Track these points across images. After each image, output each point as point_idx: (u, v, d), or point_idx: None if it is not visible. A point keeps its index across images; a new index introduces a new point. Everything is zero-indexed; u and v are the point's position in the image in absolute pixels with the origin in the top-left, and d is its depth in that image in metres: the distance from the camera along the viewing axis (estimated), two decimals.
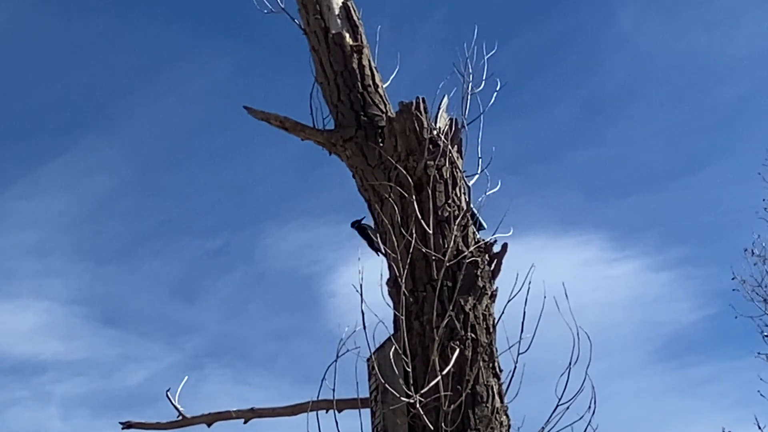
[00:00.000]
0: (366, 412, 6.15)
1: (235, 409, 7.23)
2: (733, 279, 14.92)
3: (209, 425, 7.17)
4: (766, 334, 14.57)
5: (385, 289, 6.16)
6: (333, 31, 7.27)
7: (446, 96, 6.88)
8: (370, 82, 7.08)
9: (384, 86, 7.20)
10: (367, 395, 6.25)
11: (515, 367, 5.90)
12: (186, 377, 7.24)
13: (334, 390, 5.63)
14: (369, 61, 7.21)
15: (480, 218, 6.57)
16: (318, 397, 5.87)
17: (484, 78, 6.78)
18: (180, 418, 7.14)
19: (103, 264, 16.56)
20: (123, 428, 7.31)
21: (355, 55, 7.16)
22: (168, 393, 7.33)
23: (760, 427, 14.05)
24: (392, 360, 5.86)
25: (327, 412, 6.24)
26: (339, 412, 6.02)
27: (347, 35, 7.26)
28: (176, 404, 7.31)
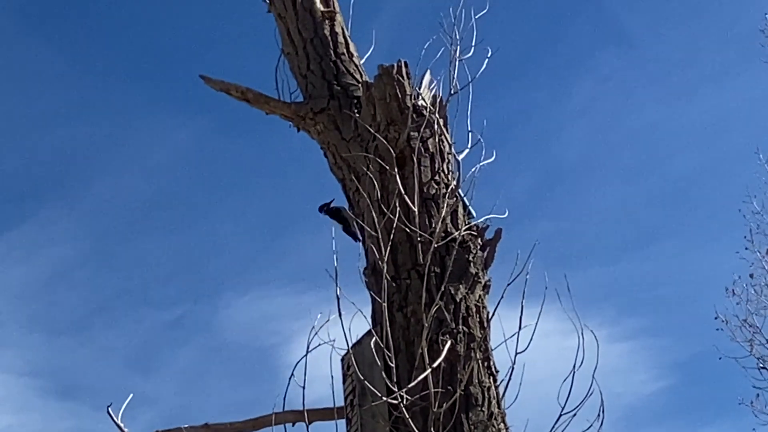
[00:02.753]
0: (342, 424, 5.29)
1: (186, 426, 6.33)
2: (716, 318, 14.51)
3: None
4: (761, 365, 14.02)
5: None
6: None
7: (428, 71, 6.06)
8: (344, 50, 6.27)
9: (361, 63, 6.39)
10: (342, 404, 5.39)
11: (512, 367, 5.06)
12: (132, 394, 6.34)
13: (304, 390, 4.75)
14: (342, 28, 6.41)
15: (469, 206, 5.73)
16: (284, 407, 5.00)
17: (473, 44, 5.99)
18: None
19: (57, 335, 16.71)
20: None
21: (326, 21, 6.35)
22: (109, 409, 6.41)
23: None
24: (372, 356, 5.00)
25: (294, 425, 5.40)
26: (309, 424, 5.17)
27: (317, 1, 6.45)
28: (119, 423, 6.38)
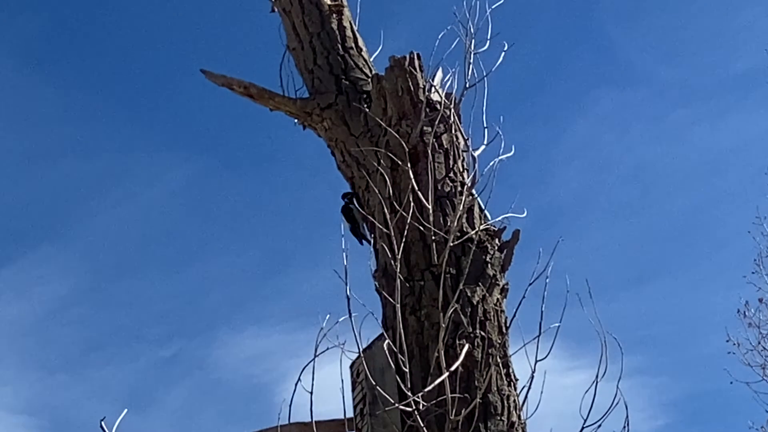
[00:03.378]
0: None
1: None
2: (727, 341, 14.30)
3: None
4: None
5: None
6: None
7: (440, 68, 5.76)
8: (352, 45, 5.97)
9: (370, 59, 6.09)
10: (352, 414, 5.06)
11: (532, 375, 4.73)
12: (126, 410, 6.01)
13: (311, 395, 4.41)
14: (350, 22, 6.12)
15: (485, 209, 5.41)
16: (289, 418, 4.64)
17: (488, 37, 5.69)
18: None
19: (53, 373, 16.57)
20: None
21: (334, 15, 6.05)
22: (102, 423, 6.06)
23: None
24: (383, 362, 4.68)
25: None
26: None
27: None
28: None
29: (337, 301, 4.53)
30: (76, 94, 16.32)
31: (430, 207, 4.99)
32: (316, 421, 4.64)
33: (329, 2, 6.11)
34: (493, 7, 5.70)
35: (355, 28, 6.13)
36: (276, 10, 6.42)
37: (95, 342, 16.45)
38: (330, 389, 4.82)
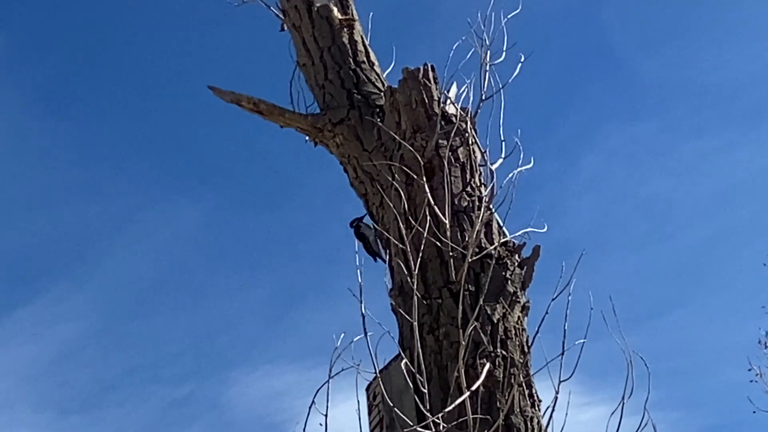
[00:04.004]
0: None
1: None
2: (749, 370, 14.09)
3: None
4: None
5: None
6: (318, 4, 6.02)
7: (454, 83, 5.59)
8: (364, 59, 5.82)
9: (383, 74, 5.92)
10: None
11: (556, 397, 4.51)
12: None
13: (326, 418, 4.20)
14: (362, 36, 5.97)
15: (503, 225, 5.21)
16: None
17: (504, 49, 5.51)
18: None
19: (67, 414, 16.20)
20: None
21: (345, 29, 5.90)
22: None
23: None
24: (401, 383, 4.48)
25: None
26: None
27: (335, 8, 6.01)
28: None
29: (350, 335, 4.39)
30: (88, 135, 16.36)
31: (447, 222, 4.80)
32: None
33: (340, 17, 5.96)
34: (508, 17, 5.53)
35: (367, 43, 5.98)
36: (286, 27, 6.28)
37: (109, 383, 16.46)
38: (345, 414, 4.63)
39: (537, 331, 4.61)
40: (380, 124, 5.30)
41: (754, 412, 13.92)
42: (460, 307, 4.51)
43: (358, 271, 4.38)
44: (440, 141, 5.07)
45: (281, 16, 6.33)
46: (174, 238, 16.73)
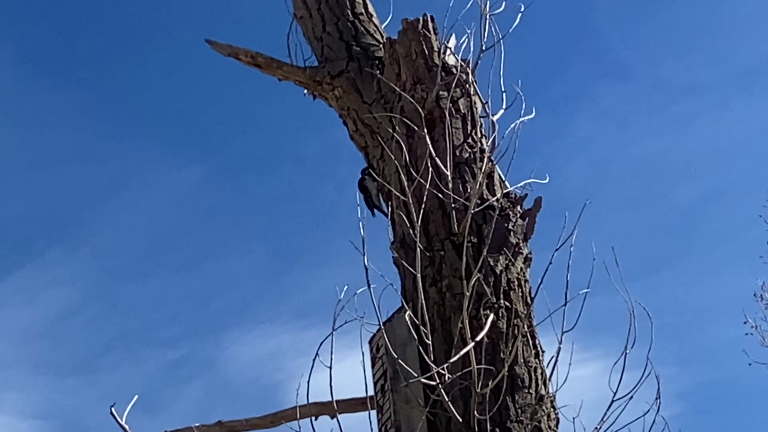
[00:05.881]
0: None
1: (197, 424, 5.78)
2: (744, 323, 14.18)
3: None
4: None
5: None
6: None
7: (453, 35, 5.53)
8: (362, 10, 5.75)
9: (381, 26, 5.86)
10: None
11: (559, 348, 4.52)
12: (136, 396, 5.81)
13: (330, 370, 4.21)
14: None
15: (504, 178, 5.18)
16: (307, 397, 4.42)
17: None
18: None
19: (63, 377, 16.32)
20: None
21: None
22: (112, 409, 5.86)
23: None
24: (404, 335, 4.48)
25: (316, 418, 4.85)
26: (332, 418, 4.63)
27: None
28: (123, 424, 5.83)
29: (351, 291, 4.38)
30: (82, 98, 16.20)
31: (448, 174, 4.77)
32: (336, 401, 4.46)
33: None
34: None
35: None
36: None
37: (105, 345, 16.54)
38: (348, 368, 4.63)
39: (540, 282, 4.60)
40: (380, 76, 5.26)
41: (750, 364, 14.05)
42: (464, 259, 4.49)
43: (360, 223, 4.38)
44: (441, 92, 5.03)
45: None
46: (168, 200, 16.72)
